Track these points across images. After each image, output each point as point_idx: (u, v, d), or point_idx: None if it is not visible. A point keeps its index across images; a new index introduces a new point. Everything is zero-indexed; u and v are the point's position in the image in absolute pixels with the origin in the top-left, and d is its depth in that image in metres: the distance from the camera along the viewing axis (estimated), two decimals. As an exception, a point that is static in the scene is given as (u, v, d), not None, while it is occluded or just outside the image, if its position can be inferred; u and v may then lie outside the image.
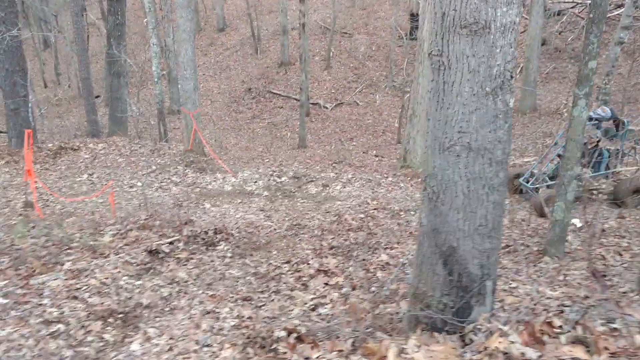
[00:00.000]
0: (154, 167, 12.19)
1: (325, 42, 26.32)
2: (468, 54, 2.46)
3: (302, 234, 7.65)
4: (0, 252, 5.75)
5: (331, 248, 6.47)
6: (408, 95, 15.92)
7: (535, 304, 3.88)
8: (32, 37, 27.48)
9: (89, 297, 4.81)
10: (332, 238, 6.96)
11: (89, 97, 16.59)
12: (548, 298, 4.16)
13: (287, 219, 8.90)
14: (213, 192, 10.94)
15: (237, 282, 5.51)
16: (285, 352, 3.52)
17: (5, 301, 4.55)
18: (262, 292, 5.22)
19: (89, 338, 4.14)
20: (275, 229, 8.08)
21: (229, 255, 6.40)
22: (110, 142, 13.85)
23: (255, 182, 11.65)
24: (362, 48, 26.56)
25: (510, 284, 4.70)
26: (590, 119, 8.40)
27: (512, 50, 2.45)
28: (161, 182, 11.33)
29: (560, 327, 3.05)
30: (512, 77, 2.46)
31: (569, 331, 2.90)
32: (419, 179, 11.09)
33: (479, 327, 2.92)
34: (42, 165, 11.68)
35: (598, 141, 8.60)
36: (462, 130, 2.56)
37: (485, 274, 2.84)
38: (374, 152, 17.88)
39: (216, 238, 6.93)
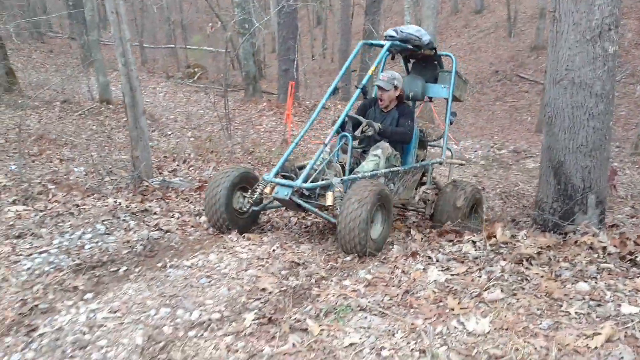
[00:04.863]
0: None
1: (585, 27, 24.95)
2: (573, 10, 3.30)
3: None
4: (262, 164, 7.95)
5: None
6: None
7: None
8: (307, 13, 31.47)
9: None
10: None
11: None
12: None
13: (498, 186, 9.70)
14: (434, 155, 12.15)
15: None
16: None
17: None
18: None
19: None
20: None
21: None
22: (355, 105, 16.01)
23: (475, 151, 12.51)
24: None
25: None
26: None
27: (609, 8, 3.22)
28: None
29: (653, 241, 3.65)
30: (610, 29, 3.23)
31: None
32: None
33: (578, 229, 3.73)
34: (300, 118, 14.28)
35: None
36: (568, 68, 3.41)
37: (587, 187, 3.64)
38: (616, 143, 16.93)
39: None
